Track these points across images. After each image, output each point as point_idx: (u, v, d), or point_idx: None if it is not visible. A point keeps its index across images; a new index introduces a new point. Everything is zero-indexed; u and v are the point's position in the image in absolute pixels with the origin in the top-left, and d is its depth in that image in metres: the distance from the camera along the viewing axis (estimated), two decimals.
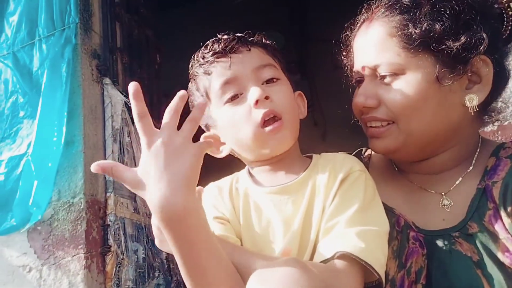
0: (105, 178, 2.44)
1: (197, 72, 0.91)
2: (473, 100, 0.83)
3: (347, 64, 1.02)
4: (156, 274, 2.56)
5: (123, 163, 2.48)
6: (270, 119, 0.83)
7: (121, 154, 2.51)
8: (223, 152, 0.91)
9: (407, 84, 0.83)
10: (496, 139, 1.58)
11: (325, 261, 0.72)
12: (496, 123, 1.60)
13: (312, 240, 0.80)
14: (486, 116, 0.95)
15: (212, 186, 0.96)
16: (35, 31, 2.46)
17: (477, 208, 0.83)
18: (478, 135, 0.95)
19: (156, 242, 0.82)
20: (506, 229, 0.78)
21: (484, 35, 0.80)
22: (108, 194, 2.41)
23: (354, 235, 0.73)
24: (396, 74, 0.84)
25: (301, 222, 0.81)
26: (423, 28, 0.81)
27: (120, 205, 2.45)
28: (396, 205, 0.92)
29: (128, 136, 2.58)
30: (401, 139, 0.87)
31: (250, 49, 0.88)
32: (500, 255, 0.77)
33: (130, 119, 2.65)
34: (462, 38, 0.80)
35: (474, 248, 0.79)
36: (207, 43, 0.92)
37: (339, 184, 0.82)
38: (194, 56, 0.93)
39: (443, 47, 0.81)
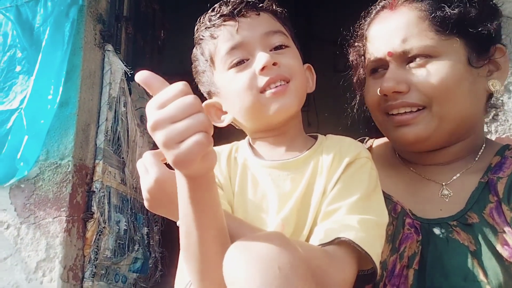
0: (95, 144, 2.40)
1: (202, 36, 0.87)
2: (496, 85, 0.85)
3: (359, 55, 1.00)
4: (136, 247, 2.53)
5: (116, 133, 2.45)
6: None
7: (114, 123, 2.47)
8: (224, 121, 0.87)
9: (442, 66, 0.83)
10: None
11: (323, 245, 0.70)
12: (493, 135, 1.62)
13: (310, 222, 0.78)
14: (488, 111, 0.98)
15: None
16: None
17: (477, 200, 0.83)
18: (483, 132, 0.97)
19: (147, 205, 0.77)
20: (508, 223, 0.78)
21: (501, 25, 0.86)
22: (97, 161, 2.37)
23: (356, 222, 0.71)
24: (429, 56, 0.84)
25: (299, 200, 0.78)
26: (459, 11, 0.83)
27: (108, 173, 2.42)
28: (395, 192, 0.92)
29: (124, 106, 2.55)
30: (433, 125, 0.85)
31: (259, 14, 0.84)
32: (499, 247, 0.76)
33: (128, 89, 2.62)
34: (491, 23, 0.83)
35: (472, 238, 0.79)
36: (214, 6, 0.87)
37: (344, 168, 0.79)
38: (200, 19, 0.89)
39: (475, 31, 0.82)
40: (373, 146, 1.09)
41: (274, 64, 0.79)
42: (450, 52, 0.83)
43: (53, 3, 2.37)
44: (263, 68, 0.78)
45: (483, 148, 0.93)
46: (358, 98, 1.04)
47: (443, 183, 0.90)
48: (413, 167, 0.97)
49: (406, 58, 0.86)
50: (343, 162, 0.79)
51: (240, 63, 0.81)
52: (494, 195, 0.82)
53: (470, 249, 0.78)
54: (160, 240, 2.95)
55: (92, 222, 2.26)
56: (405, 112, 0.87)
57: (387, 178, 0.93)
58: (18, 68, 2.34)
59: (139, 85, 2.96)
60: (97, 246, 2.26)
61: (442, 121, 0.85)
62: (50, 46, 2.29)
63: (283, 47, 0.84)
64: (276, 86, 0.79)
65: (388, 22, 0.89)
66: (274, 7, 0.88)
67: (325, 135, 0.91)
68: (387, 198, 0.89)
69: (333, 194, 0.77)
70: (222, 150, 0.92)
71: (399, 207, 0.89)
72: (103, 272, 2.29)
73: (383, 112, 0.92)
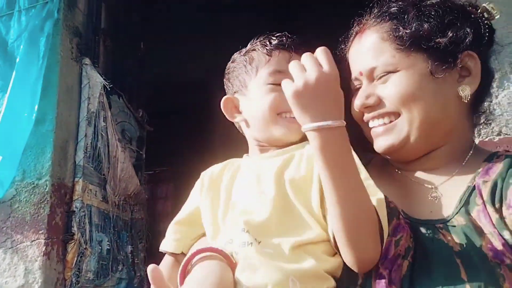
0: (74, 162, 2.32)
1: (258, 49, 1.00)
2: (465, 90, 0.91)
3: (343, 76, 1.07)
4: (120, 267, 2.44)
5: (96, 149, 2.37)
6: None
7: (94, 138, 2.39)
8: (236, 118, 1.03)
9: (402, 78, 0.91)
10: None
11: None
12: (477, 139, 1.63)
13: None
14: (476, 116, 1.02)
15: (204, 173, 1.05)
16: (15, 1, 2.33)
17: (465, 203, 0.86)
18: (471, 138, 1.02)
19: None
20: (493, 224, 0.81)
21: (468, 30, 0.91)
22: (76, 179, 2.29)
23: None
24: (391, 72, 0.92)
25: (277, 176, 0.88)
26: (413, 28, 0.91)
27: (89, 191, 2.33)
28: (387, 194, 0.94)
29: (104, 121, 2.47)
30: (404, 133, 0.92)
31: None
32: (484, 248, 0.79)
33: (107, 103, 2.55)
34: (448, 33, 0.90)
35: (457, 239, 0.82)
36: (274, 33, 1.02)
37: None
38: (257, 38, 1.03)
39: (432, 44, 0.90)
40: (373, 158, 1.14)
41: None
42: (410, 65, 0.91)
43: (27, 18, 2.30)
44: None
45: (470, 153, 0.96)
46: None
47: (433, 186, 0.94)
48: (405, 173, 1.01)
49: (373, 76, 0.95)
50: None
51: (278, 84, 0.91)
52: (480, 197, 0.85)
53: (454, 249, 0.80)
54: (146, 257, 2.86)
55: (73, 243, 2.17)
56: (379, 125, 0.96)
57: (381, 181, 0.95)
58: None
59: (119, 98, 2.90)
60: (79, 269, 2.17)
61: (411, 127, 0.91)
62: (25, 62, 2.21)
63: None
64: (292, 116, 0.87)
65: (359, 45, 1.00)
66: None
67: None
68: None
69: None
70: (215, 167, 1.05)
71: (392, 204, 0.92)
72: None
73: (366, 124, 1.00)
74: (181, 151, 4.65)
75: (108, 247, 2.39)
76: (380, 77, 0.93)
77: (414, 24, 0.92)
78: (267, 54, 0.98)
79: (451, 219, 0.86)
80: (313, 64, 0.78)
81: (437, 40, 0.90)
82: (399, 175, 1.02)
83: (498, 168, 0.88)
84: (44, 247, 2.05)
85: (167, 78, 3.82)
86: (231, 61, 1.07)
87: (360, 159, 0.87)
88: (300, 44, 0.99)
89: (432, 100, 0.91)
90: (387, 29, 0.94)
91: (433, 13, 0.92)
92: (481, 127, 1.59)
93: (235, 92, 1.04)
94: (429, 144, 0.94)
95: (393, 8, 0.96)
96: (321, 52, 0.81)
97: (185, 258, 0.83)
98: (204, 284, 0.74)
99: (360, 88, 0.99)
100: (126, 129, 2.77)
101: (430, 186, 0.95)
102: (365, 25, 0.99)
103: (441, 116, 0.92)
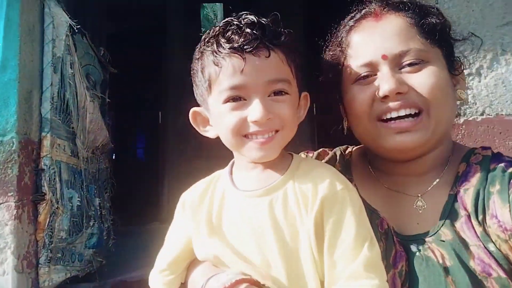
0: (40, 114, 2.07)
1: (208, 56, 0.83)
2: (462, 94, 0.93)
3: (338, 62, 0.97)
4: (91, 223, 2.36)
5: (63, 99, 2.14)
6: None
7: (61, 88, 2.14)
8: (209, 132, 0.90)
9: (435, 71, 0.86)
10: (460, 133, 1.70)
11: None
12: (462, 118, 1.72)
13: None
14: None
15: (183, 199, 0.94)
16: None
17: (449, 214, 0.85)
18: (451, 140, 0.99)
19: None
20: (478, 237, 0.80)
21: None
22: (43, 134, 2.07)
23: (363, 271, 0.74)
24: (422, 61, 0.86)
25: (276, 235, 0.80)
26: (437, 21, 0.88)
27: (57, 147, 2.13)
28: (378, 207, 0.93)
29: (71, 67, 2.20)
30: (430, 130, 0.86)
31: (269, 55, 0.80)
32: (471, 263, 0.79)
33: (74, 46, 2.25)
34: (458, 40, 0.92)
35: (446, 254, 0.82)
36: (227, 26, 0.81)
37: (320, 205, 0.79)
38: (209, 32, 0.85)
39: (449, 41, 0.90)
40: (352, 154, 1.08)
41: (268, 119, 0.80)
42: (437, 59, 0.88)
43: None
44: (254, 121, 0.79)
45: (451, 156, 0.94)
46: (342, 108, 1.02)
47: (418, 195, 0.92)
48: (384, 179, 0.97)
49: (399, 62, 0.87)
50: (317, 198, 0.79)
51: (236, 99, 0.81)
52: (463, 208, 0.85)
53: (444, 266, 0.81)
54: (111, 207, 2.78)
55: (44, 203, 2.02)
56: (405, 118, 0.86)
57: (365, 190, 0.95)
58: None
59: (82, 37, 2.56)
60: (51, 229, 2.05)
61: (437, 124, 0.87)
62: None
63: (283, 93, 0.82)
64: (263, 137, 0.81)
65: (375, 28, 0.90)
66: (288, 43, 0.84)
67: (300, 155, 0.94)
68: (373, 212, 0.90)
69: (329, 238, 0.77)
70: (196, 189, 0.93)
71: (385, 223, 0.90)
72: (60, 255, 2.11)
73: (374, 119, 0.89)
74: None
75: (79, 203, 2.27)
76: (410, 64, 0.86)
77: (441, 19, 0.89)
78: (215, 65, 0.81)
79: (437, 231, 0.85)
80: None
81: (453, 42, 0.91)
82: (378, 183, 0.98)
83: (476, 172, 0.88)
84: (15, 210, 1.90)
85: (133, 23, 3.43)
86: (194, 56, 0.89)
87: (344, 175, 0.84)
88: (258, 40, 0.79)
89: (452, 99, 0.90)
90: (413, 15, 0.89)
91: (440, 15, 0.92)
92: (466, 106, 1.68)
93: (201, 104, 0.90)
94: (435, 145, 0.90)
95: (412, 1, 0.91)
96: None
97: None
98: None
99: (370, 75, 0.89)
100: (91, 73, 2.49)
101: (413, 195, 0.92)
102: (383, 9, 0.91)
103: (453, 118, 0.93)
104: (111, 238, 2.67)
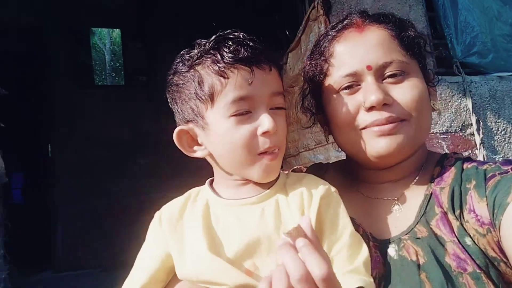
0: None
1: (208, 66, 0.81)
2: (436, 105, 0.98)
3: (320, 72, 0.99)
4: None
5: None
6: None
7: None
8: (197, 153, 0.87)
9: (416, 83, 0.90)
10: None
11: None
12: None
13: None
14: None
15: (158, 216, 0.89)
16: None
17: (424, 213, 0.88)
18: (425, 146, 1.03)
19: None
20: (454, 232, 0.82)
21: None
22: None
23: (362, 268, 0.76)
24: (404, 72, 0.89)
25: (267, 240, 0.79)
26: (414, 35, 0.93)
27: None
28: (354, 215, 0.93)
29: None
30: (411, 135, 0.89)
31: (271, 69, 0.84)
32: (447, 258, 0.80)
33: None
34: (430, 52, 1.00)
35: (421, 251, 0.83)
36: (225, 41, 0.81)
37: (319, 203, 0.81)
38: (203, 43, 0.83)
39: (424, 54, 0.95)
40: (329, 167, 1.12)
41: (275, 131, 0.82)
42: (416, 70, 0.92)
43: None
44: (265, 132, 0.80)
45: (425, 161, 0.98)
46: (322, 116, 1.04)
47: (395, 199, 0.94)
48: (363, 189, 1.00)
49: (382, 73, 0.89)
50: (313, 198, 0.82)
51: (243, 114, 0.80)
52: (438, 206, 0.87)
53: (417, 263, 0.81)
54: (5, 254, 2.38)
55: None
56: (384, 124, 0.89)
57: (343, 199, 0.96)
58: None
59: None
60: None
61: (417, 132, 0.90)
62: None
63: (281, 108, 0.86)
64: (272, 152, 0.82)
65: (359, 39, 0.92)
66: (278, 61, 0.88)
67: (286, 172, 0.94)
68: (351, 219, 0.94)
69: (327, 236, 0.79)
70: (174, 204, 0.89)
71: (361, 229, 0.93)
72: None
73: (357, 128, 0.91)
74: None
75: None
76: (393, 76, 0.89)
77: (414, 32, 0.94)
78: (221, 76, 0.79)
79: (413, 228, 0.87)
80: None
81: (426, 55, 0.96)
82: (355, 191, 1.00)
83: (451, 172, 0.91)
84: None
85: None
86: (172, 71, 0.86)
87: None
88: (262, 54, 0.81)
89: (429, 109, 0.94)
90: (393, 28, 0.92)
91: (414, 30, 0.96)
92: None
93: (188, 121, 0.85)
94: (411, 153, 0.93)
95: (390, 14, 0.96)
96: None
97: None
98: None
99: (354, 85, 0.91)
100: None
101: (390, 199, 0.95)
102: (365, 21, 0.94)
103: (430, 126, 0.97)
104: None
